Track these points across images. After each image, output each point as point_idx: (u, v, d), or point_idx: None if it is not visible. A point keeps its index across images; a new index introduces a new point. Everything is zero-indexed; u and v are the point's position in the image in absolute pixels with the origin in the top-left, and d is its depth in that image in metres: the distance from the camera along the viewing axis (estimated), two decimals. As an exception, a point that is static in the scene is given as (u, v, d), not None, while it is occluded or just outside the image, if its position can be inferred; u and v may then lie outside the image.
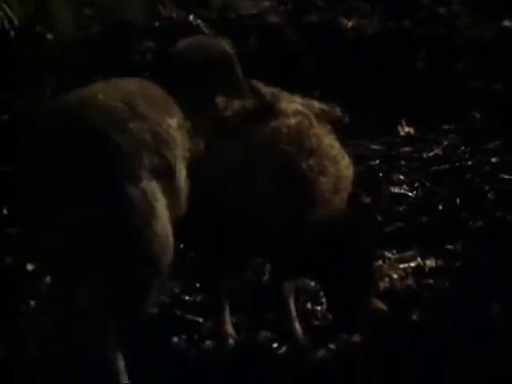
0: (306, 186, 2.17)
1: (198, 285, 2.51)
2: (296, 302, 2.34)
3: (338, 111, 2.30)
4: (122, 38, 3.55)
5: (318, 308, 2.43)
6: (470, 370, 2.18)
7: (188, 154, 2.16)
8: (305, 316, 2.39)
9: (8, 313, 2.43)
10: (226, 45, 2.29)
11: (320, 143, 2.21)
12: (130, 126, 2.06)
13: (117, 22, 3.56)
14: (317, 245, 2.11)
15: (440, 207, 2.83)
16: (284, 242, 2.18)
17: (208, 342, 2.33)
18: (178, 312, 2.45)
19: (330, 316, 2.28)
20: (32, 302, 2.45)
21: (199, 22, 3.79)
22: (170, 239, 2.08)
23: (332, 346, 2.29)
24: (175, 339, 2.35)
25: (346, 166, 2.23)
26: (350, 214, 2.16)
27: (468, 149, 3.15)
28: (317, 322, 2.39)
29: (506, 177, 2.96)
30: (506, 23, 3.83)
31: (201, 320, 2.41)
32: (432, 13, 3.94)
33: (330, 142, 2.23)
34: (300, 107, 2.25)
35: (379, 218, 2.74)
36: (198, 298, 2.49)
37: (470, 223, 2.74)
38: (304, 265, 2.16)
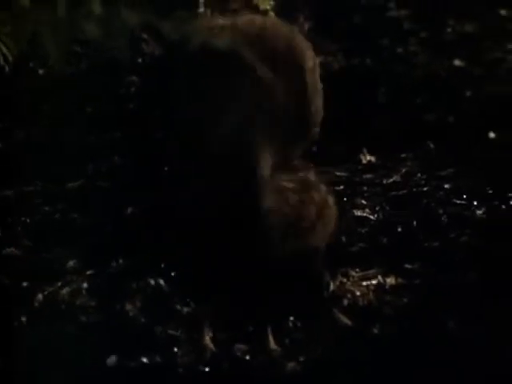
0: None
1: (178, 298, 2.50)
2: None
3: None
4: (108, 72, 3.54)
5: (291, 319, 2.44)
6: (427, 381, 2.21)
7: None
8: (279, 328, 2.40)
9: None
10: None
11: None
12: None
13: (103, 59, 3.55)
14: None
15: (399, 229, 2.83)
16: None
17: (185, 356, 2.32)
18: (157, 325, 2.43)
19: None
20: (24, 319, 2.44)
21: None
22: None
23: (301, 359, 2.30)
24: (153, 351, 2.34)
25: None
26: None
27: (424, 176, 3.17)
28: (289, 334, 2.41)
29: (459, 201, 2.96)
30: (457, 62, 3.87)
31: (178, 333, 2.40)
32: (391, 52, 3.98)
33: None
34: None
35: (343, 239, 2.76)
36: (176, 312, 2.47)
37: (427, 244, 2.75)
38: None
